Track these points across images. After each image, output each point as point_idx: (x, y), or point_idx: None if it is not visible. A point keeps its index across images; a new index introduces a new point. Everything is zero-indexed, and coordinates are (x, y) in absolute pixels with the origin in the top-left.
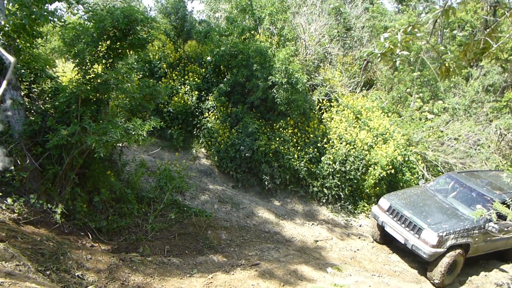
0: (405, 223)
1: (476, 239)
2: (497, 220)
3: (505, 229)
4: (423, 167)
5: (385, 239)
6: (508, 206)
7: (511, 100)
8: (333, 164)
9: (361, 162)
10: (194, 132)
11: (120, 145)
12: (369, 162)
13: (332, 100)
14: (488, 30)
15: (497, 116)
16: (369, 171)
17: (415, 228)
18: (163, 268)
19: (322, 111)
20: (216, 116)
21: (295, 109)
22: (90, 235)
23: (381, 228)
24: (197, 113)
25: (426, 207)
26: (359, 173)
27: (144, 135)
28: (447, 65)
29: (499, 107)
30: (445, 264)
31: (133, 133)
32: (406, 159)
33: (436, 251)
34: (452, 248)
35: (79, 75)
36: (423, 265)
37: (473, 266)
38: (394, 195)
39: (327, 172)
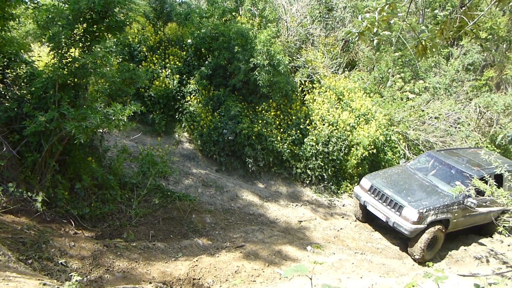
0: (386, 202)
1: (456, 214)
2: (475, 195)
3: (483, 204)
4: (405, 146)
5: (367, 217)
6: (486, 182)
7: (490, 78)
8: (316, 145)
9: (343, 143)
10: (176, 116)
11: (101, 130)
12: (352, 143)
13: (315, 82)
14: (463, 8)
15: (477, 94)
16: (351, 151)
17: (396, 206)
18: (148, 252)
19: (304, 92)
20: (198, 100)
21: (277, 91)
22: (73, 222)
23: (363, 207)
24: (178, 97)
25: (406, 185)
26: (341, 154)
27: (125, 120)
28: (423, 43)
29: (478, 85)
30: (425, 239)
31: (113, 118)
32: (388, 138)
33: (416, 227)
34: (432, 224)
35: (55, 59)
36: (404, 241)
37: (453, 241)
38: (375, 175)
39: (310, 153)
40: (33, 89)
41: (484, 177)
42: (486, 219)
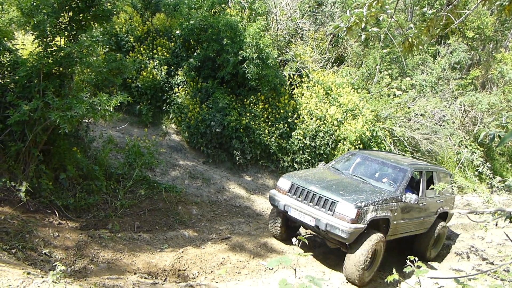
0: (313, 201)
1: (395, 213)
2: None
3: (421, 204)
4: (390, 142)
5: (288, 231)
6: (419, 178)
7: (476, 77)
8: (303, 139)
9: (330, 138)
10: (164, 108)
11: (86, 120)
12: (339, 138)
13: (303, 76)
14: (450, 6)
15: (462, 93)
16: (338, 146)
17: (327, 203)
18: (133, 243)
19: (293, 86)
20: (186, 92)
21: (265, 85)
22: (57, 213)
23: (283, 216)
24: (166, 88)
25: (334, 182)
26: (328, 148)
27: (111, 110)
28: (410, 40)
29: (464, 84)
30: (364, 254)
31: (99, 108)
32: (374, 134)
33: (356, 227)
34: (372, 225)
35: (40, 48)
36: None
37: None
38: (294, 174)
39: (298, 147)
40: (16, 77)
41: (421, 170)
42: (422, 226)
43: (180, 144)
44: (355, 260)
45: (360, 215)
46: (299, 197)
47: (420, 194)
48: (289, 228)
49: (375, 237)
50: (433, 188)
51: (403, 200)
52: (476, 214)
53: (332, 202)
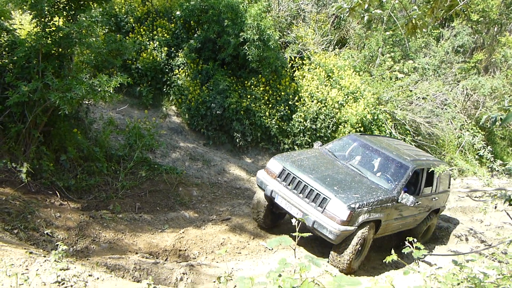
0: (304, 192)
1: (388, 214)
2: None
3: (416, 203)
4: (391, 125)
5: (273, 218)
6: (419, 176)
7: (479, 61)
8: (304, 122)
9: (331, 120)
10: (164, 90)
11: (86, 102)
12: (339, 120)
13: (304, 58)
14: None
15: (465, 76)
16: (339, 129)
17: (318, 197)
18: (134, 224)
19: (294, 69)
20: (187, 73)
21: (266, 67)
22: (58, 194)
23: (268, 202)
24: (166, 70)
25: (329, 172)
26: (329, 131)
27: (111, 91)
28: (413, 22)
29: (467, 68)
30: (354, 244)
31: (99, 89)
32: (375, 117)
33: (346, 229)
34: (363, 225)
35: (38, 28)
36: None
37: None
38: (287, 156)
39: (298, 129)
40: (15, 58)
41: (423, 168)
42: (413, 224)
43: (181, 126)
44: (342, 254)
45: (352, 217)
46: (289, 184)
47: (417, 193)
48: (273, 215)
49: (363, 230)
50: (431, 185)
51: (399, 201)
52: (475, 196)
53: (324, 197)
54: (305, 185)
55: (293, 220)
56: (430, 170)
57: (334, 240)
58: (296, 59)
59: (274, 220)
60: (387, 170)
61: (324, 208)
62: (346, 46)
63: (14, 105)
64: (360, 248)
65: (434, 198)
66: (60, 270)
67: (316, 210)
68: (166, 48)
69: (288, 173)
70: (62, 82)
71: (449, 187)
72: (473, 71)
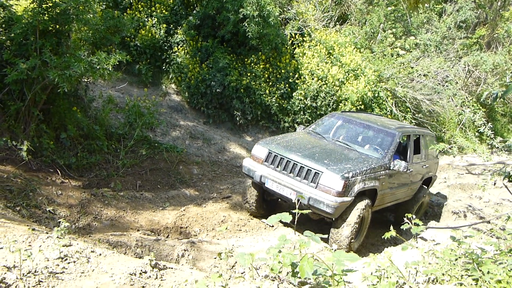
0: (294, 171)
1: (383, 183)
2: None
3: (409, 171)
4: (392, 103)
5: (265, 207)
6: (406, 144)
7: (481, 37)
8: (304, 100)
9: (332, 98)
10: (163, 67)
11: (85, 80)
12: (340, 98)
13: (305, 35)
14: None
15: (467, 53)
16: (339, 107)
17: (310, 173)
18: (135, 202)
19: (294, 46)
20: (186, 51)
21: (266, 44)
22: (59, 172)
23: (258, 189)
24: (165, 48)
25: (317, 149)
26: (329, 109)
27: (110, 69)
28: None
29: (469, 44)
30: (353, 223)
31: (97, 67)
32: (376, 95)
33: (342, 200)
34: (359, 196)
35: (34, 3)
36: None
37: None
38: (271, 140)
39: (298, 107)
40: (12, 35)
41: (409, 134)
42: (408, 194)
43: (181, 105)
44: (342, 233)
45: (347, 187)
46: (277, 166)
47: (408, 160)
48: (266, 203)
49: (361, 205)
50: (419, 153)
51: (391, 168)
52: (475, 172)
53: (316, 172)
54: (294, 163)
55: (293, 197)
56: (416, 137)
57: (332, 214)
58: (296, 36)
59: (267, 208)
60: (374, 141)
61: (318, 183)
62: (347, 22)
63: (12, 83)
64: (359, 224)
65: (425, 165)
66: (63, 246)
67: (309, 186)
68: (164, 25)
69: (275, 155)
70: (61, 60)
71: (437, 156)
72: (475, 47)
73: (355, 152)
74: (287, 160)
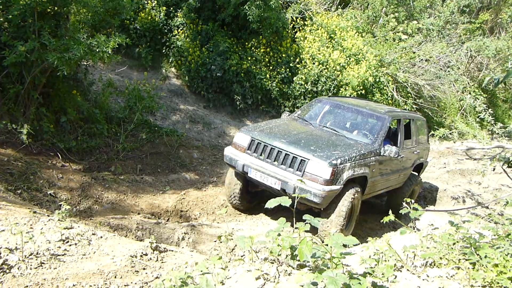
0: (278, 159)
1: (373, 170)
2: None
3: (400, 156)
4: (393, 88)
5: (250, 199)
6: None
7: (485, 22)
8: (305, 85)
9: (332, 83)
10: (163, 51)
11: (85, 63)
12: (341, 83)
13: (306, 19)
14: None
15: (470, 38)
16: (340, 91)
17: (295, 161)
18: (136, 186)
19: (295, 30)
20: (186, 34)
21: (267, 27)
22: (59, 155)
23: (242, 179)
24: (165, 31)
25: (302, 135)
26: (330, 94)
27: (109, 52)
28: None
29: (472, 29)
30: (344, 211)
31: (97, 50)
32: (377, 80)
33: (331, 189)
34: (349, 184)
35: None
36: None
37: None
38: (254, 127)
39: (299, 92)
40: (10, 16)
41: (399, 120)
42: (399, 181)
43: (181, 88)
44: (331, 224)
45: (335, 174)
46: (261, 155)
47: (398, 145)
48: (250, 195)
49: (350, 192)
50: (410, 138)
51: (381, 154)
52: (475, 158)
53: (302, 160)
54: (278, 151)
55: (278, 187)
56: (406, 121)
57: (320, 204)
58: (297, 20)
59: (252, 200)
60: (363, 126)
61: (304, 171)
62: (349, 6)
63: (11, 66)
64: (349, 213)
65: (416, 151)
66: (64, 229)
67: (295, 175)
68: (164, 8)
69: (258, 142)
70: (60, 42)
71: (428, 141)
72: (478, 32)
73: (344, 138)
74: (271, 148)
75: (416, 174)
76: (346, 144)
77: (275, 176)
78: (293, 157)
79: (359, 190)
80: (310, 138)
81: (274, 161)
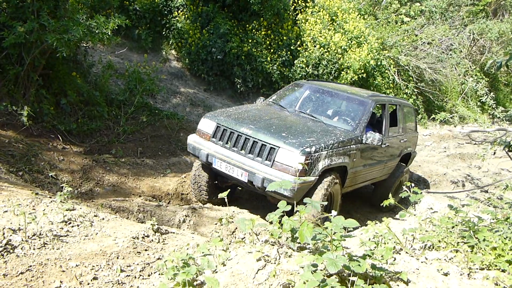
0: (246, 147)
1: (354, 159)
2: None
3: (384, 145)
4: (395, 71)
5: (216, 193)
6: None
7: (488, 4)
8: (306, 68)
9: (334, 66)
10: (163, 33)
11: (84, 44)
12: (342, 66)
13: (308, 1)
14: None
15: (473, 20)
16: (341, 75)
17: (264, 149)
18: (137, 168)
19: (296, 12)
20: (186, 16)
21: (268, 9)
22: (60, 138)
23: (207, 170)
24: (165, 12)
25: (275, 120)
26: (331, 77)
27: (109, 33)
28: None
29: (475, 11)
30: (320, 197)
31: (96, 31)
32: (379, 63)
33: (303, 181)
34: (325, 175)
35: None
36: None
37: None
38: (221, 112)
39: (300, 75)
40: None
41: (384, 105)
42: (384, 172)
43: (181, 71)
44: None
45: (309, 164)
46: (226, 143)
47: (383, 133)
48: (220, 190)
49: (327, 181)
50: (396, 126)
51: (363, 142)
52: (475, 142)
53: (271, 148)
54: (246, 138)
55: (245, 179)
56: (392, 108)
57: (292, 198)
58: (299, 2)
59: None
60: (344, 112)
61: (274, 160)
62: None
63: (10, 47)
64: (328, 205)
65: (402, 139)
66: (66, 210)
67: (263, 165)
68: None
69: (224, 129)
70: (59, 23)
71: (416, 129)
72: (481, 14)
73: (321, 123)
74: (238, 135)
75: (404, 165)
76: (323, 130)
77: (241, 167)
78: (262, 144)
79: (337, 180)
80: (282, 124)
81: (241, 149)
